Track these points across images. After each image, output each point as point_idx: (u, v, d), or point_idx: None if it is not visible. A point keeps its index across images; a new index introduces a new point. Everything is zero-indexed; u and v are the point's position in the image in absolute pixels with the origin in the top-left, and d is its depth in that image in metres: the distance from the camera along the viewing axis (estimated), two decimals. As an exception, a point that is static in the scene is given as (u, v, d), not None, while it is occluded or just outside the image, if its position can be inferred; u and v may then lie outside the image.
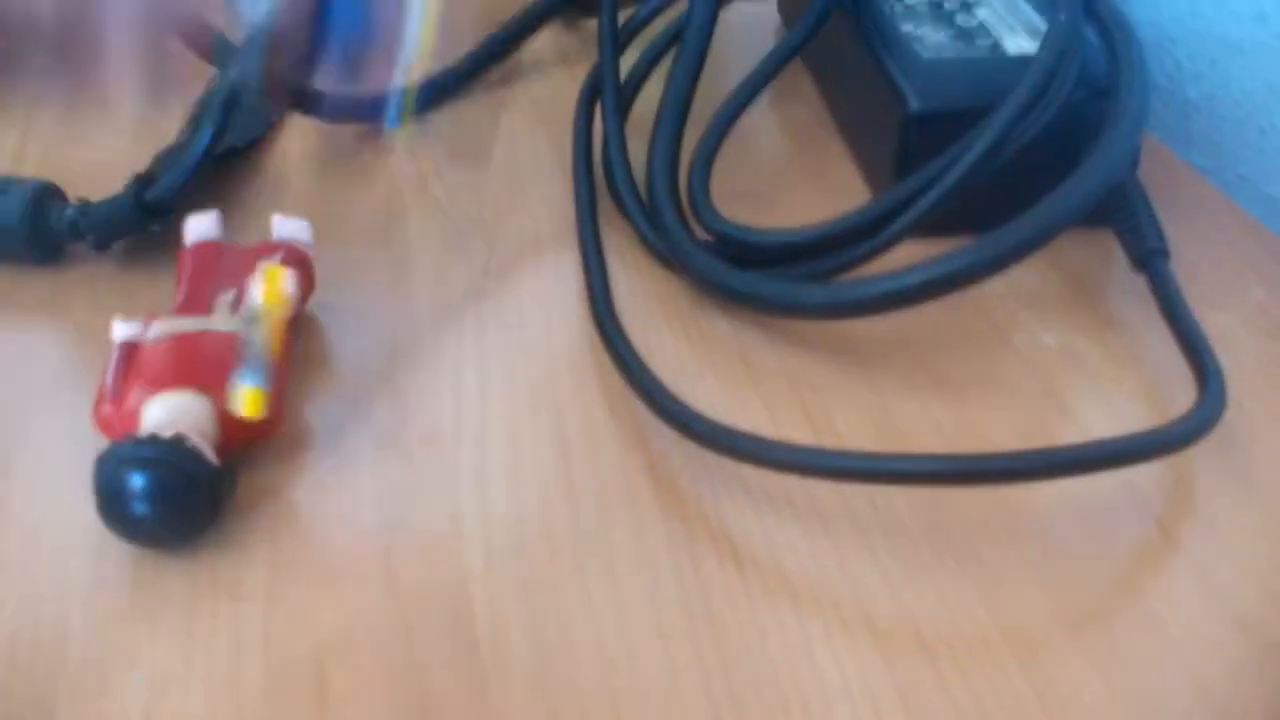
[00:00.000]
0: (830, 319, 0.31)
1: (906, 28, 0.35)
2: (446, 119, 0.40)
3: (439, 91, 0.41)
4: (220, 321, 0.28)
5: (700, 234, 0.33)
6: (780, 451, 0.26)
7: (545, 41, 0.44)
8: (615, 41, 0.37)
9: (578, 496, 0.26)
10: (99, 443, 0.25)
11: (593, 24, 0.38)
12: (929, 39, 0.35)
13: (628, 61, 0.38)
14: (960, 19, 0.36)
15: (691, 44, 0.35)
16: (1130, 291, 0.31)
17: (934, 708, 0.22)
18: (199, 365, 0.27)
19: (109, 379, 0.26)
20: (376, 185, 0.37)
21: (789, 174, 0.37)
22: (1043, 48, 0.31)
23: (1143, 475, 0.27)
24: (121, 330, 0.27)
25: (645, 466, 0.27)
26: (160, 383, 0.26)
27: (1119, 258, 0.32)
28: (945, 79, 0.33)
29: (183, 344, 0.27)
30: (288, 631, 0.24)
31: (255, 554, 0.25)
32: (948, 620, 0.24)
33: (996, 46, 0.34)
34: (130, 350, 0.27)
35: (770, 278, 0.31)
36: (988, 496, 0.26)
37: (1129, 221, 0.32)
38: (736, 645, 0.23)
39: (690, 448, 0.27)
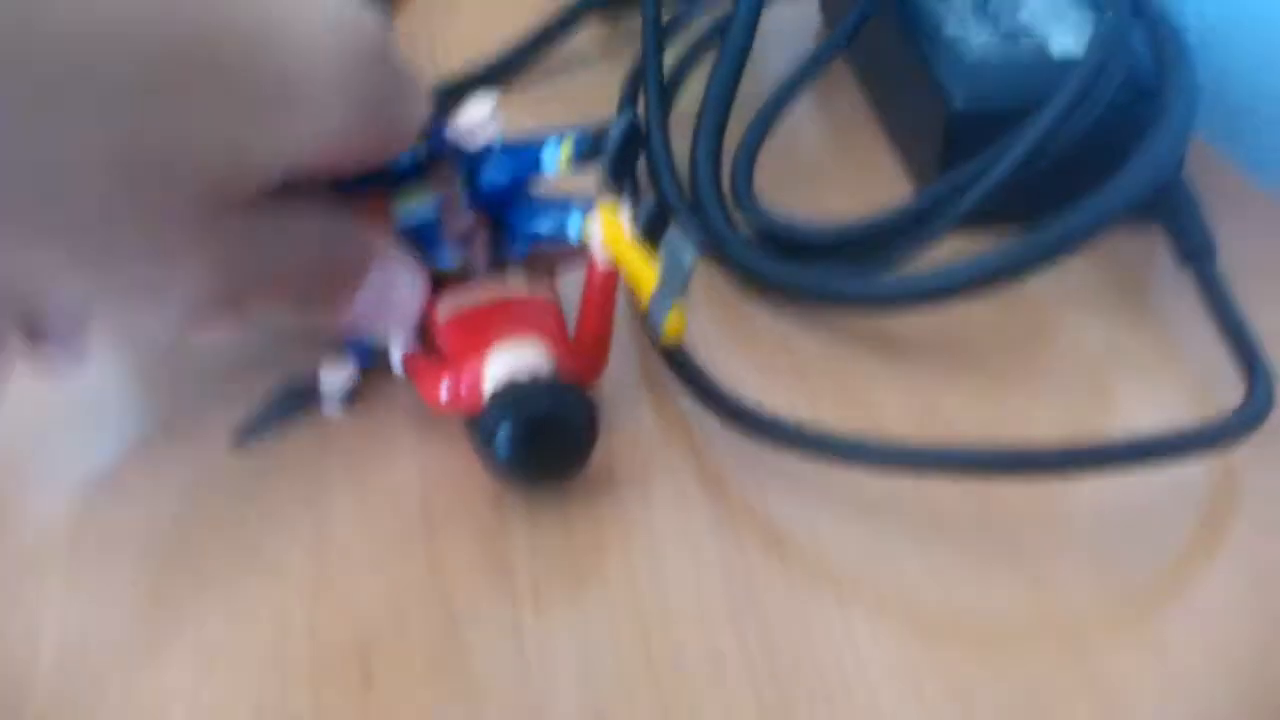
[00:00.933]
0: (872, 311, 0.31)
1: (951, 28, 0.35)
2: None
3: (477, 85, 0.41)
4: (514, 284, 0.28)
5: (743, 228, 0.33)
6: (826, 442, 0.26)
7: (586, 37, 0.44)
8: (658, 35, 0.37)
9: (617, 478, 0.27)
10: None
11: (634, 20, 0.37)
12: (974, 39, 0.34)
13: (668, 60, 0.38)
14: (1005, 19, 0.36)
15: (735, 40, 0.35)
16: (1177, 289, 0.31)
17: (979, 696, 0.22)
18: (514, 318, 0.27)
19: (422, 363, 0.27)
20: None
21: (833, 170, 0.37)
22: (1089, 49, 0.31)
23: (1190, 470, 0.26)
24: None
25: (689, 452, 0.27)
26: (489, 341, 0.26)
27: (1166, 255, 0.32)
28: (990, 79, 0.33)
29: (484, 309, 0.27)
30: (333, 614, 0.24)
31: (298, 533, 0.25)
32: (994, 610, 0.24)
33: (1041, 46, 0.34)
34: (426, 331, 0.27)
35: (810, 269, 0.31)
36: (1035, 489, 0.26)
37: (1176, 219, 0.31)
38: (780, 631, 0.23)
39: (734, 436, 0.27)
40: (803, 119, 0.40)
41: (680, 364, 0.28)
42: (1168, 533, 0.25)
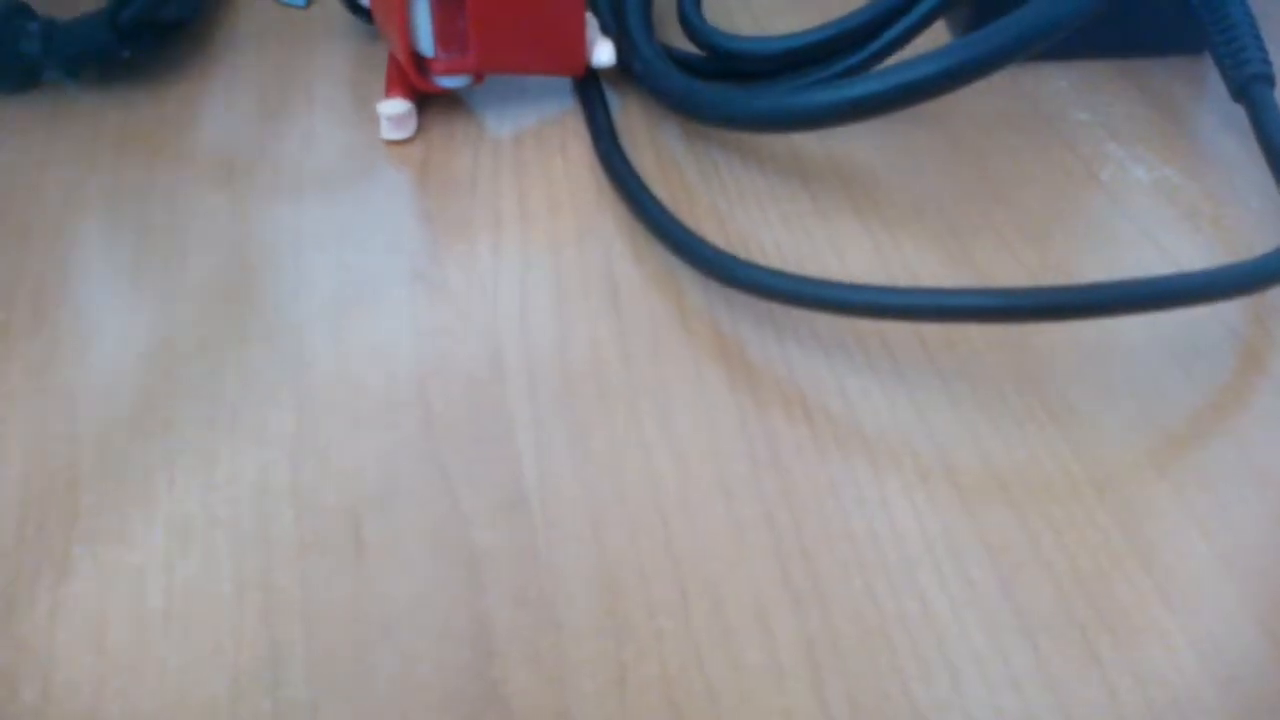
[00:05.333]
0: (777, 130, 0.27)
1: None
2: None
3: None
4: None
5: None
6: (850, 295, 0.24)
7: None
8: None
9: (627, 342, 0.24)
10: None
11: None
12: None
13: None
14: None
15: None
16: (1229, 123, 0.28)
17: (1024, 570, 0.20)
18: None
19: None
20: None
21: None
22: None
23: (1234, 312, 0.24)
24: None
25: (699, 309, 0.25)
26: None
27: (1217, 87, 0.29)
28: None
29: None
30: (319, 480, 0.22)
31: (280, 395, 0.23)
32: (1034, 468, 0.22)
33: None
34: None
35: (730, 90, 0.28)
36: (1072, 336, 0.24)
37: (1229, 44, 0.28)
38: (807, 499, 0.21)
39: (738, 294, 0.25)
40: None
41: (675, 234, 0.26)
42: (1210, 375, 0.24)
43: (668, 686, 0.19)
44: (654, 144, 0.29)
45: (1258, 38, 0.28)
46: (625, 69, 0.30)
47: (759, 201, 0.27)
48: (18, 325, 0.25)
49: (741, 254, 0.26)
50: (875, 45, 0.28)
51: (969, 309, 0.22)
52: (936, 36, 0.28)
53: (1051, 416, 0.23)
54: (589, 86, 0.30)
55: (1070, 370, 0.24)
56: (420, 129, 0.29)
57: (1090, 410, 0.23)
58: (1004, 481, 0.22)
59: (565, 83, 0.31)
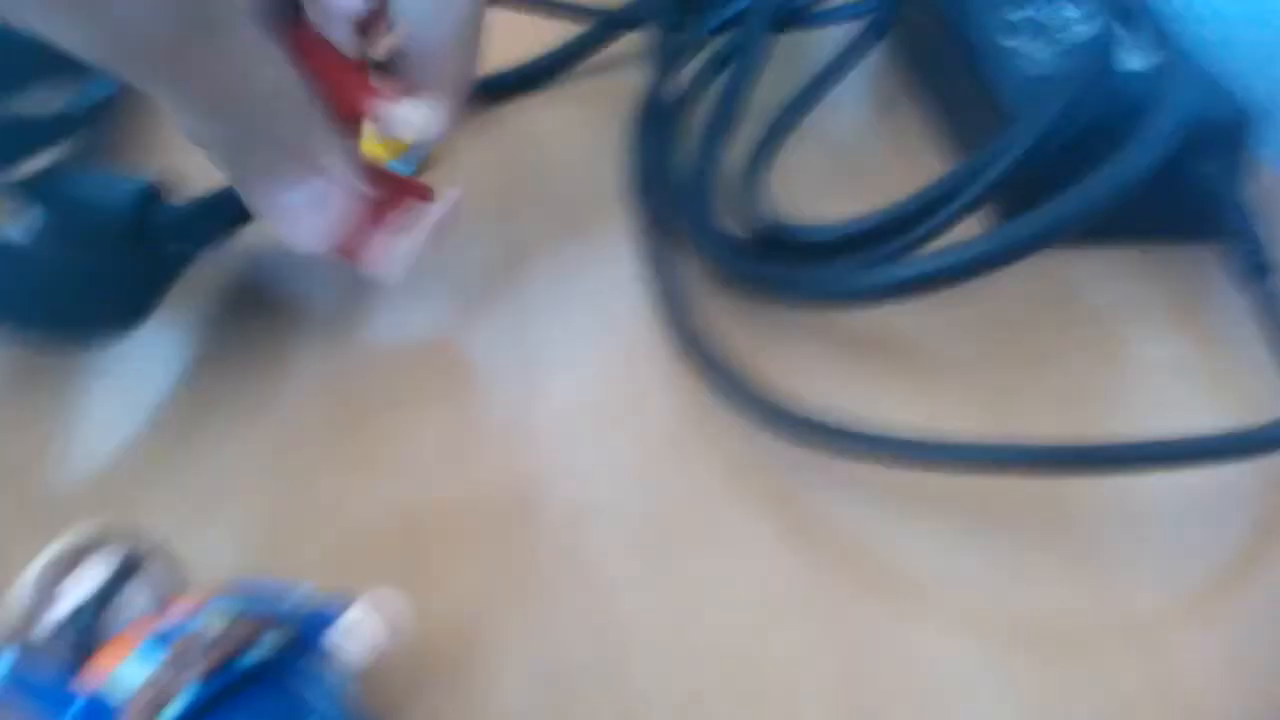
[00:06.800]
0: (834, 308, 0.31)
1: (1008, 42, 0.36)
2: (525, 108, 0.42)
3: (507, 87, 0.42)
4: None
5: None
6: (896, 444, 0.26)
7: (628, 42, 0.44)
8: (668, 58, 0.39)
9: (699, 489, 0.27)
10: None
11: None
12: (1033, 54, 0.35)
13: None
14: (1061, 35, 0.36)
15: (741, 72, 0.36)
16: (1237, 308, 0.32)
17: (1057, 700, 0.23)
18: None
19: None
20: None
21: (876, 171, 0.38)
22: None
23: (1248, 478, 0.27)
24: None
25: (762, 463, 0.28)
26: None
27: (1224, 274, 0.32)
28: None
29: None
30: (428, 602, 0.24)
31: (392, 529, 0.26)
32: (1066, 614, 0.24)
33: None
34: None
35: (787, 269, 0.31)
36: (1103, 491, 0.27)
37: (1236, 237, 0.32)
38: (856, 635, 0.24)
39: (784, 446, 0.28)
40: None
41: (729, 382, 0.29)
42: (1228, 530, 0.26)
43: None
44: (716, 313, 0.32)
45: (1257, 233, 0.32)
46: (690, 246, 0.34)
47: (811, 368, 0.30)
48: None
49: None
50: (921, 230, 0.31)
51: (1011, 459, 0.26)
52: (969, 229, 0.31)
53: (1081, 563, 0.25)
54: (660, 256, 0.33)
55: (1099, 524, 0.26)
56: (509, 293, 0.33)
57: (1117, 559, 0.26)
58: (1038, 625, 0.24)
59: (630, 250, 0.34)
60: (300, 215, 0.27)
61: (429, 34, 0.27)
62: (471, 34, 0.28)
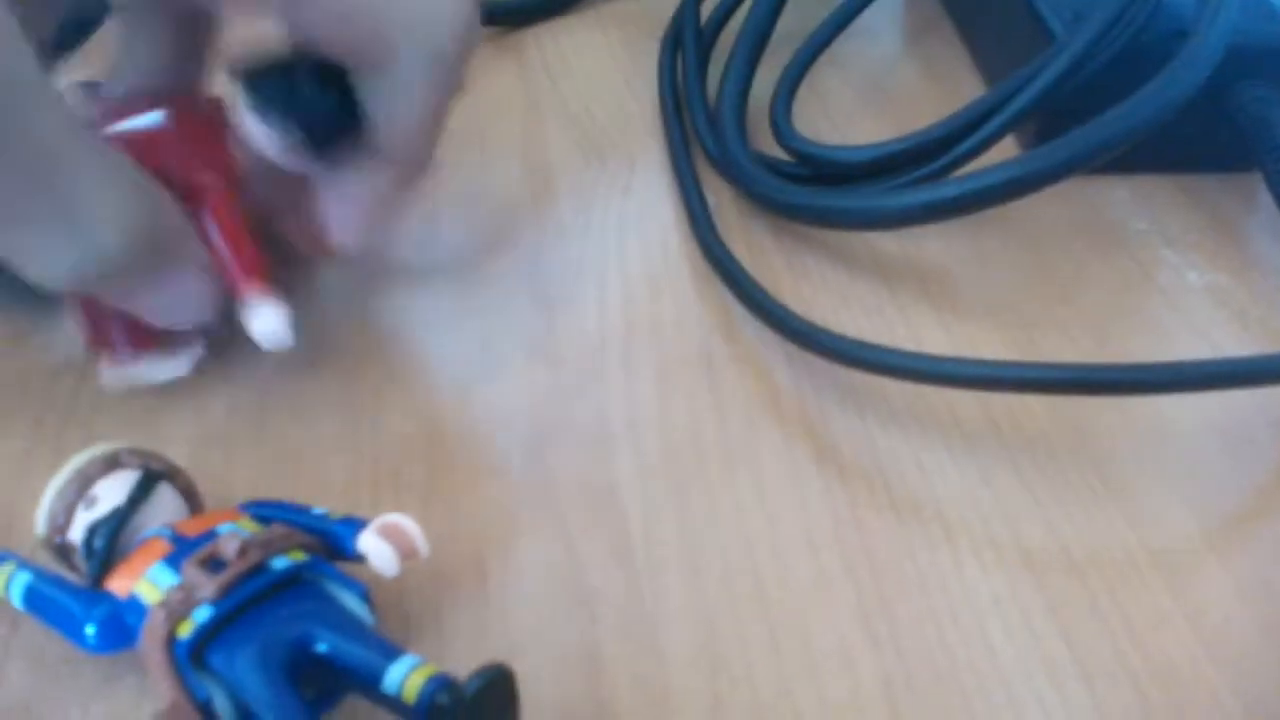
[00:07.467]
0: (864, 228, 0.31)
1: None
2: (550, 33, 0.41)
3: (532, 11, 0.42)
4: None
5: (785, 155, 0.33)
6: (921, 362, 0.26)
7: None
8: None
9: (722, 414, 0.27)
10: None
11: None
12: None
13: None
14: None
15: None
16: (1277, 234, 0.31)
17: (1083, 624, 0.23)
18: None
19: None
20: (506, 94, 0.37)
21: (908, 96, 0.37)
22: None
23: (1277, 407, 0.27)
24: None
25: (788, 387, 0.28)
26: None
27: (1266, 200, 0.31)
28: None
29: None
30: (447, 522, 0.25)
31: (413, 450, 0.26)
32: (1094, 539, 0.24)
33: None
34: None
35: (818, 192, 0.31)
36: (1130, 418, 0.27)
37: (1276, 164, 0.31)
38: (885, 556, 0.24)
39: (825, 365, 0.27)
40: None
41: (762, 301, 0.29)
42: (1253, 461, 0.26)
43: (759, 712, 0.21)
44: (745, 238, 0.32)
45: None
46: (723, 171, 0.33)
47: (841, 293, 0.30)
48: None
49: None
50: (951, 155, 0.31)
51: (1037, 380, 0.25)
52: (1005, 150, 0.31)
53: (1109, 490, 0.25)
54: (687, 184, 0.33)
55: (1127, 451, 0.26)
56: (533, 218, 0.33)
57: (1144, 486, 0.25)
58: (1064, 546, 0.24)
59: (666, 180, 0.34)
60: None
61: (393, 127, 0.26)
62: (435, 125, 0.27)
